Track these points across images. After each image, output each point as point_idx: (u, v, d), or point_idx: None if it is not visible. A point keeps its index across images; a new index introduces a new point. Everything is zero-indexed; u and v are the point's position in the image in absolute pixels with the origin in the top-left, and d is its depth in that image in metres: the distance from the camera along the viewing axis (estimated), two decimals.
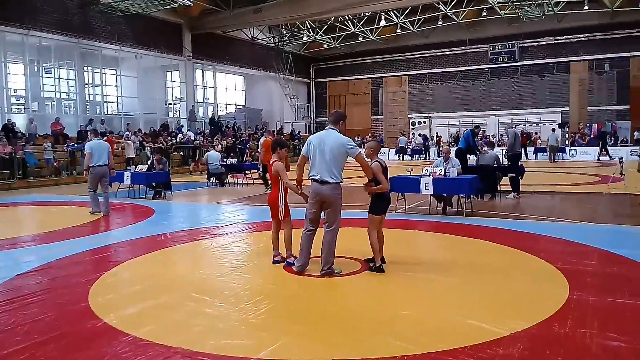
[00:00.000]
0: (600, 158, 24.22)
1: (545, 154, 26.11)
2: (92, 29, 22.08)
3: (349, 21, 31.27)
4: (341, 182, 5.33)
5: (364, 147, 6.12)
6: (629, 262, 5.62)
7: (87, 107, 23.97)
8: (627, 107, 28.11)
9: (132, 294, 4.88)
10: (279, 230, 5.99)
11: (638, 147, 22.17)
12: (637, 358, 3.30)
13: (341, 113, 5.78)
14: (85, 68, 23.75)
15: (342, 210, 5.47)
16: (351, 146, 5.29)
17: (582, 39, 29.23)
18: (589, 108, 29.38)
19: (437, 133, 32.72)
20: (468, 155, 11.67)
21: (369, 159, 5.41)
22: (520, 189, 11.39)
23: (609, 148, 24.49)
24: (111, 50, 23.41)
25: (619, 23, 27.78)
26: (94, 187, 10.15)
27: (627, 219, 8.69)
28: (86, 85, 24.07)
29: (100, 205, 10.05)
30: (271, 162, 5.84)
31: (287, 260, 5.81)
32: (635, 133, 26.52)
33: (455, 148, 12.71)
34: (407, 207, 9.82)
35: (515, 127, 12.21)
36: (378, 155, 5.56)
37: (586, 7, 27.09)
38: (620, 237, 7.21)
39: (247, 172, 16.49)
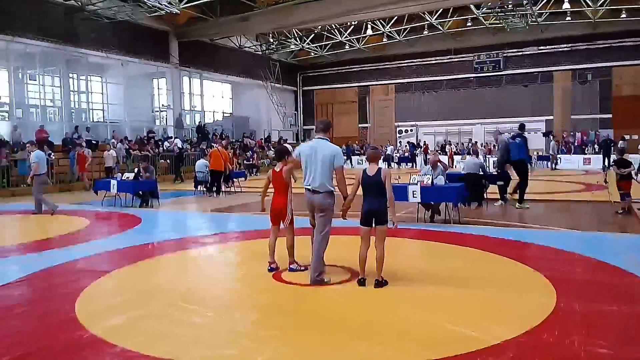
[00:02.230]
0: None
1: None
2: (78, 36, 21.87)
3: (335, 30, 31.43)
4: (333, 190, 5.36)
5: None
6: (614, 270, 5.68)
7: (73, 114, 23.69)
8: (610, 115, 28.56)
9: (119, 304, 4.82)
10: (277, 237, 5.93)
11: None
12: None
13: (329, 121, 5.84)
14: (71, 75, 23.48)
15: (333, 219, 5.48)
16: (340, 157, 5.39)
17: (565, 49, 29.68)
18: (572, 117, 29.80)
19: (424, 141, 32.91)
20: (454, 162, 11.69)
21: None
22: (507, 197, 11.48)
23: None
24: (97, 57, 23.20)
25: (601, 33, 28.29)
26: (43, 191, 11.41)
27: (612, 227, 8.81)
28: (71, 92, 23.80)
29: (41, 206, 11.17)
30: (278, 170, 5.83)
31: (290, 266, 5.78)
32: (620, 142, 26.93)
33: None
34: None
35: (503, 135, 11.88)
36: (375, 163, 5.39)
37: (569, 18, 27.58)
38: (606, 244, 7.31)
39: (233, 180, 16.43)
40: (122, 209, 12.25)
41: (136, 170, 13.46)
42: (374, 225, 5.17)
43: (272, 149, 30.78)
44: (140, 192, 12.93)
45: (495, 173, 11.79)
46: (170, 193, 16.15)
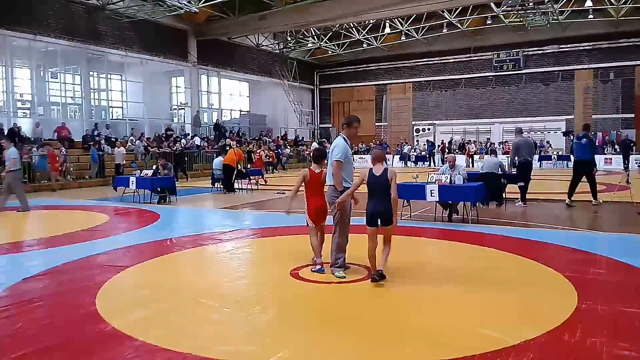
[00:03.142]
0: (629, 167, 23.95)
1: (550, 162, 26.15)
2: (99, 35, 22.21)
3: (353, 28, 31.36)
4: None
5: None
6: (636, 271, 5.58)
7: (92, 111, 24.05)
8: (632, 115, 28.06)
9: (139, 299, 4.88)
10: (320, 237, 5.87)
11: None
12: None
13: (347, 118, 5.83)
14: (91, 73, 23.84)
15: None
16: (336, 151, 5.46)
17: (587, 47, 29.23)
18: (593, 116, 29.29)
19: (442, 140, 32.67)
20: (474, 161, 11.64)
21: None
22: (527, 198, 11.36)
23: (631, 157, 24.33)
24: (117, 55, 23.52)
25: (624, 32, 27.78)
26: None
27: (634, 228, 8.65)
28: (92, 90, 24.16)
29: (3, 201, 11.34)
30: (317, 171, 5.83)
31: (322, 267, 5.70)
32: None
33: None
34: (412, 214, 9.80)
35: (522, 135, 11.73)
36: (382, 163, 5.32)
37: (591, 16, 27.12)
38: (628, 245, 7.18)
39: (251, 177, 16.52)
40: (141, 205, 12.39)
41: (154, 167, 13.60)
42: (379, 224, 5.14)
43: (289, 147, 30.86)
44: (159, 188, 13.06)
45: (515, 173, 11.66)
46: (187, 190, 16.29)
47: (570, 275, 5.37)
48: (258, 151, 21.54)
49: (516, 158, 11.43)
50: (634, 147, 25.34)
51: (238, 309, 4.55)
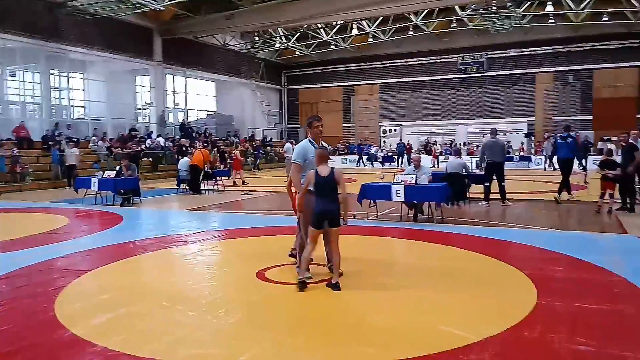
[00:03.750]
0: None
1: (512, 162, 26.80)
2: (59, 32, 21.55)
3: (321, 29, 31.44)
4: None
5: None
6: (594, 268, 5.77)
7: (53, 111, 23.37)
8: (590, 117, 29.03)
9: (101, 303, 4.76)
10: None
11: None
12: None
13: (308, 119, 5.78)
14: (51, 71, 23.15)
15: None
16: (294, 154, 5.52)
17: (548, 50, 30.11)
18: (553, 118, 30.19)
19: (408, 141, 33.08)
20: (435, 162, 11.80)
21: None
22: (490, 197, 11.59)
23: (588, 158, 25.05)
24: (78, 53, 22.90)
25: (583, 36, 28.75)
26: None
27: (592, 226, 8.95)
28: (52, 89, 23.46)
29: None
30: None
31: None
32: (599, 143, 27.37)
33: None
34: (378, 214, 9.88)
35: (495, 136, 11.94)
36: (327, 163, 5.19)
37: (551, 21, 27.98)
38: (586, 243, 7.41)
39: (218, 178, 16.34)
40: (104, 207, 12.09)
41: (118, 168, 13.30)
42: (326, 227, 5.00)
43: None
44: (122, 190, 12.77)
45: (481, 173, 11.91)
46: (153, 191, 16.00)
47: (530, 272, 5.51)
48: (235, 151, 21.33)
49: (485, 158, 11.66)
50: (591, 148, 26.21)
51: (203, 311, 4.49)
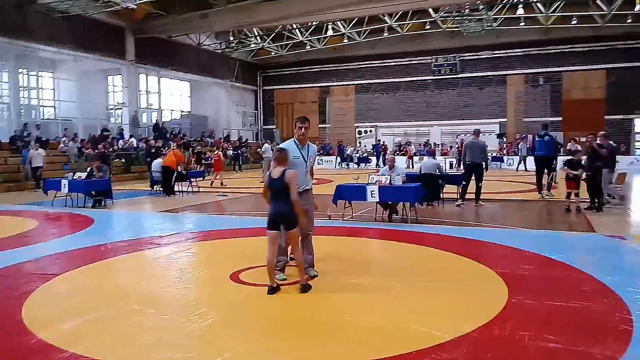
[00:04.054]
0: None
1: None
2: (29, 30, 20.99)
3: (296, 30, 31.41)
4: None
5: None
6: (563, 266, 5.90)
7: (22, 111, 22.80)
8: (560, 118, 29.69)
9: (70, 308, 4.65)
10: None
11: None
12: (572, 359, 3.46)
13: (295, 119, 5.72)
14: (20, 70, 22.59)
15: None
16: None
17: (519, 53, 30.71)
18: (524, 119, 30.81)
19: (383, 142, 33.32)
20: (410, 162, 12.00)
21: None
22: (465, 197, 11.75)
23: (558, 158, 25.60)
24: (48, 52, 22.38)
25: (552, 39, 29.42)
26: None
27: (561, 225, 9.16)
28: (21, 89, 22.88)
29: None
30: None
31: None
32: (569, 144, 28.03)
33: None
34: (353, 214, 9.91)
35: (477, 137, 12.15)
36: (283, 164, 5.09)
37: (522, 24, 28.52)
38: (556, 242, 7.57)
39: (192, 179, 16.16)
40: (74, 210, 11.84)
41: (89, 169, 13.04)
42: (282, 230, 4.97)
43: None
44: (93, 192, 12.52)
45: (456, 173, 12.15)
46: (125, 193, 15.74)
47: (501, 271, 5.60)
48: (216, 152, 21.14)
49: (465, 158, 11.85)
50: (560, 149, 26.82)
51: (176, 315, 4.44)
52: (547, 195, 12.40)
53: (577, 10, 26.72)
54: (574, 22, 27.53)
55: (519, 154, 25.87)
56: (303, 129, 5.49)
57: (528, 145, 28.91)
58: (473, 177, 11.56)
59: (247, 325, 4.21)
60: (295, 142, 5.52)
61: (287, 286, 5.20)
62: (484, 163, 11.69)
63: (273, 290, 4.94)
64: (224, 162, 20.43)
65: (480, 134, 12.43)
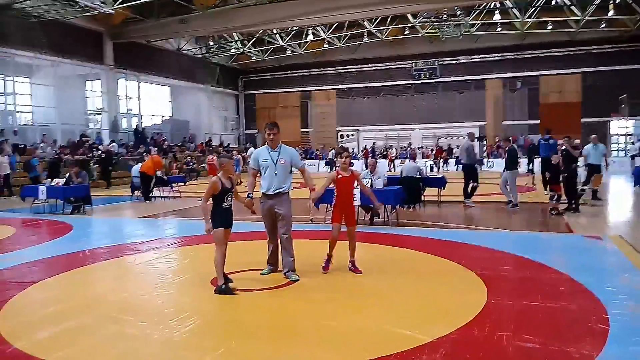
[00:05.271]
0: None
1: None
2: (4, 35, 20.60)
3: (277, 35, 31.41)
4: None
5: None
6: (541, 267, 5.99)
7: None
8: (538, 122, 30.18)
9: (47, 317, 4.57)
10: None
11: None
12: (549, 358, 3.52)
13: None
14: None
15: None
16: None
17: (496, 58, 31.13)
18: (503, 122, 31.26)
19: (365, 146, 33.47)
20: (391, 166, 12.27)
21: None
22: (443, 199, 11.90)
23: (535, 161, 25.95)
24: (25, 57, 22.01)
25: (529, 44, 29.91)
26: None
27: (539, 227, 9.30)
28: None
29: None
30: (347, 175, 6.16)
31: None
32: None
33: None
34: None
35: (469, 139, 12.68)
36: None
37: (499, 29, 28.97)
38: (534, 243, 7.68)
39: (173, 185, 16.02)
40: (52, 216, 11.65)
41: (67, 175, 12.85)
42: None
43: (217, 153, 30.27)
44: (72, 198, 12.34)
45: (436, 176, 12.33)
46: (105, 199, 15.53)
47: (481, 272, 5.67)
48: (211, 157, 20.98)
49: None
50: (536, 152, 27.21)
51: (155, 322, 4.38)
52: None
53: (552, 15, 27.25)
54: (550, 27, 28.08)
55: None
56: (271, 135, 5.78)
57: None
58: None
59: (226, 331, 4.19)
60: (267, 147, 5.83)
61: (266, 291, 5.19)
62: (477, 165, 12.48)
63: (223, 289, 5.10)
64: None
65: (473, 137, 13.09)
